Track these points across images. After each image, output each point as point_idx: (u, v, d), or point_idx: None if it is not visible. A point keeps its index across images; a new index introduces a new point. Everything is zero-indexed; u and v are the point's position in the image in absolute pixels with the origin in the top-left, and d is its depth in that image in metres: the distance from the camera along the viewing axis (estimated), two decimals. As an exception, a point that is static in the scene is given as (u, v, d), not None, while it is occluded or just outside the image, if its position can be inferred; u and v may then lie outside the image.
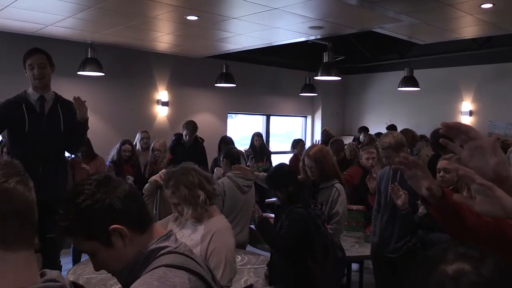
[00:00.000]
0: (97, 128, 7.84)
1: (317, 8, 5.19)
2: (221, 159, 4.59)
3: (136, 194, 1.47)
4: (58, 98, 3.53)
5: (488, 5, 5.15)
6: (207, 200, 2.41)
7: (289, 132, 11.65)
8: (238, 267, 3.79)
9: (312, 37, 6.84)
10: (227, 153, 4.53)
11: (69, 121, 3.45)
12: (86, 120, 3.41)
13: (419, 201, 2.40)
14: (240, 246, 4.36)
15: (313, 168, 3.67)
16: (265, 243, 3.68)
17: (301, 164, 3.80)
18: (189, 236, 2.43)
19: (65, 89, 7.53)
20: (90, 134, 6.99)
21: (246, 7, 5.07)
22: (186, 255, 1.44)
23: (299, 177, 3.83)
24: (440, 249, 0.95)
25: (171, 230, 1.53)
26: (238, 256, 3.98)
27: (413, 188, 1.56)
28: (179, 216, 2.48)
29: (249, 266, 3.72)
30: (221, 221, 2.44)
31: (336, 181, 3.70)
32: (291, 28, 6.07)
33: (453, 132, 1.42)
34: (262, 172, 4.21)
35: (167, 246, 1.43)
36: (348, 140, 8.84)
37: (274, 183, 3.35)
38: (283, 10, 5.14)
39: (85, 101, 3.36)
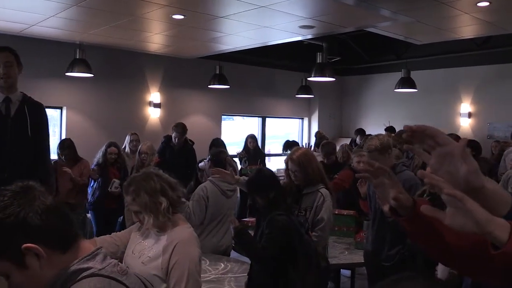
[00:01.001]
0: (86, 130, 7.70)
1: (306, 7, 5.03)
2: (207, 160, 4.41)
3: (58, 208, 1.28)
4: (26, 100, 3.34)
5: (484, 3, 4.97)
6: (169, 208, 2.23)
7: (289, 134, 11.48)
8: (219, 275, 3.63)
9: (303, 37, 6.68)
10: (214, 155, 4.36)
11: (37, 124, 3.27)
12: None
13: None
14: (223, 251, 4.20)
15: (296, 172, 3.49)
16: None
17: (284, 168, 3.62)
18: (151, 247, 2.25)
19: (53, 90, 7.49)
20: (76, 137, 6.90)
21: (232, 6, 4.92)
22: (113, 278, 1.26)
23: (282, 181, 3.66)
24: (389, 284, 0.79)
25: (99, 248, 1.34)
26: (221, 264, 3.81)
27: (382, 197, 1.38)
28: (141, 225, 2.30)
29: (230, 275, 3.54)
30: (185, 230, 2.26)
31: (321, 186, 3.52)
32: (282, 28, 5.90)
33: (418, 137, 1.23)
34: (243, 177, 4.02)
35: (90, 268, 1.26)
36: (345, 142, 8.65)
37: (255, 188, 3.17)
38: (271, 8, 4.97)
39: None
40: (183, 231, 2.27)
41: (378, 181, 1.35)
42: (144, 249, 2.28)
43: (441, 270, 2.82)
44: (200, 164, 4.66)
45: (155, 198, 2.23)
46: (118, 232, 2.51)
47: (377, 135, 3.73)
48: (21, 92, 3.39)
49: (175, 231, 2.25)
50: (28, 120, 3.27)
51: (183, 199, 3.97)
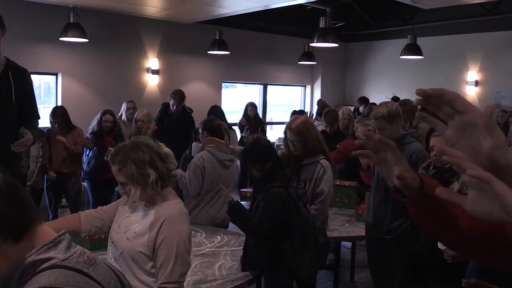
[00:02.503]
0: (81, 97, 7.51)
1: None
2: (200, 130, 4.22)
3: (12, 188, 1.10)
4: (10, 64, 3.14)
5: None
6: (158, 181, 2.07)
7: (291, 102, 11.27)
8: (214, 248, 3.51)
9: (307, 0, 6.38)
10: (207, 124, 4.17)
11: (22, 90, 3.08)
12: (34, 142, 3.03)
13: None
14: (221, 223, 4.07)
15: (295, 143, 3.32)
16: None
17: (283, 138, 3.45)
18: (138, 222, 2.10)
19: (47, 56, 7.27)
20: (73, 105, 6.72)
21: (231, -35, 4.64)
22: (78, 270, 1.10)
23: (281, 152, 3.49)
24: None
25: (62, 234, 1.18)
26: (217, 237, 3.69)
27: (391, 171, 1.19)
28: (127, 197, 2.15)
29: (226, 248, 3.42)
30: (175, 206, 2.11)
31: (322, 157, 3.35)
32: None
33: (433, 102, 1.02)
34: (239, 146, 3.86)
35: (51, 258, 1.09)
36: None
37: (250, 159, 3.00)
38: (272, -33, 4.70)
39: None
40: (172, 207, 2.11)
41: (379, 157, 1.16)
42: (131, 224, 2.13)
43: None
44: (194, 149, 4.43)
45: (143, 169, 2.06)
46: (104, 206, 2.36)
47: (386, 102, 3.53)
48: (5, 57, 3.19)
49: (163, 206, 2.09)
50: (13, 86, 3.08)
51: (176, 171, 3.83)
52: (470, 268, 2.58)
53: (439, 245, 2.69)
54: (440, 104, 1.01)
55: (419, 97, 1.04)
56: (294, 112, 7.91)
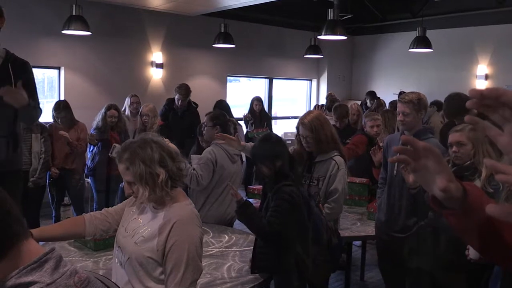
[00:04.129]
0: (84, 92, 7.38)
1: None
2: (204, 124, 4.08)
3: None
4: (9, 57, 3.02)
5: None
6: (168, 181, 1.94)
7: (298, 96, 11.14)
8: (223, 249, 3.39)
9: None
10: (218, 119, 4.04)
11: (23, 84, 2.95)
12: (26, 105, 2.83)
13: None
14: (228, 221, 3.97)
15: (308, 138, 3.18)
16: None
17: (292, 132, 3.31)
18: (146, 225, 1.97)
19: (50, 50, 7.14)
20: (76, 99, 6.59)
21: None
22: None
23: (292, 148, 3.36)
24: None
25: (49, 252, 1.03)
26: (225, 236, 3.57)
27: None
28: (134, 198, 2.02)
29: (234, 249, 3.29)
30: (185, 208, 1.97)
31: (336, 154, 3.21)
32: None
33: (487, 104, 0.88)
34: (250, 143, 3.73)
35: (34, 282, 0.94)
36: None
37: (260, 156, 2.87)
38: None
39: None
40: (183, 208, 1.98)
41: (419, 164, 1.03)
42: (139, 227, 2.01)
43: (473, 252, 2.54)
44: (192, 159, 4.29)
45: (152, 168, 1.92)
46: (110, 208, 2.23)
47: (416, 91, 3.40)
48: (4, 49, 3.06)
49: (173, 207, 1.96)
50: (12, 79, 2.96)
51: (186, 165, 3.71)
52: (495, 273, 2.45)
53: (471, 254, 2.56)
54: (495, 105, 0.88)
55: (472, 99, 0.90)
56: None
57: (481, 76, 8.86)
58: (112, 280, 2.03)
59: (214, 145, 3.91)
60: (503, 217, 0.83)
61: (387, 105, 7.85)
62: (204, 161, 3.80)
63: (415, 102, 3.17)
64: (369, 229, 3.90)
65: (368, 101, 8.97)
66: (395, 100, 6.74)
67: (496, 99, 0.87)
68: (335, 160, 3.18)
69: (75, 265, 1.06)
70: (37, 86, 3.21)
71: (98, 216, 2.15)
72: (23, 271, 0.97)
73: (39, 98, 3.21)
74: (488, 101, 0.87)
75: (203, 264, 2.92)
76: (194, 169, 3.76)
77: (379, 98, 8.59)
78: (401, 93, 8.12)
